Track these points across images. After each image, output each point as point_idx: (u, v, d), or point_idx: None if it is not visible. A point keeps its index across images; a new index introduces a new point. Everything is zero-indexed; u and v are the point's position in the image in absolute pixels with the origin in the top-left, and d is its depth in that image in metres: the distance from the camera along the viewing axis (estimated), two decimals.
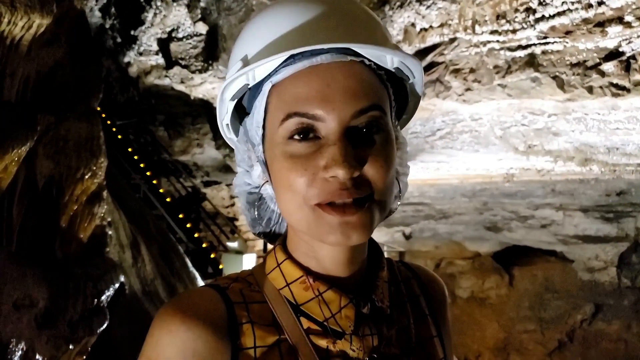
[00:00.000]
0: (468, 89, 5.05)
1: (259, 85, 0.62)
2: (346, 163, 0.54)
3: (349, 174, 0.54)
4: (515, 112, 5.33)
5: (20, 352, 3.82)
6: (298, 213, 0.59)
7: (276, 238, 0.74)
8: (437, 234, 11.35)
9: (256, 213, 0.72)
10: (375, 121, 0.58)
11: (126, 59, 8.23)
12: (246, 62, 0.61)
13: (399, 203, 0.71)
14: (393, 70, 0.63)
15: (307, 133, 0.58)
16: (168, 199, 9.14)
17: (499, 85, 4.78)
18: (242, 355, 0.58)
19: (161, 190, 9.29)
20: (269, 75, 0.61)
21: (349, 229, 0.56)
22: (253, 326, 0.60)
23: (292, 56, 0.58)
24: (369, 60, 0.60)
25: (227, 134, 0.73)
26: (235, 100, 0.65)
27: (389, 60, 0.62)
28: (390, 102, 0.64)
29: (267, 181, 0.67)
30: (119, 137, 9.33)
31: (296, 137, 0.58)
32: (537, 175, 7.56)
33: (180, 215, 8.86)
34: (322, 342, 0.60)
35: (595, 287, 10.93)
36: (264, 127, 0.63)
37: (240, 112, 0.68)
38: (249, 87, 0.63)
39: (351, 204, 0.56)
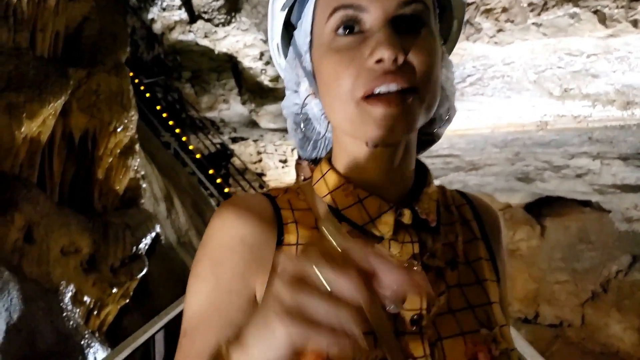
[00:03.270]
0: (500, 30, 4.88)
1: None
2: (391, 45, 0.53)
3: (394, 55, 0.53)
4: (550, 53, 5.13)
5: (70, 293, 4.04)
6: (343, 109, 0.58)
7: None
8: (466, 186, 11.23)
9: (302, 134, 0.72)
10: (419, 14, 0.58)
11: (150, 16, 8.20)
12: None
13: (446, 128, 0.70)
14: None
15: (352, 27, 0.57)
16: (198, 156, 9.28)
17: (533, 24, 4.60)
18: (285, 249, 0.61)
19: (191, 147, 9.42)
20: None
21: (392, 121, 0.55)
22: (297, 226, 0.62)
23: None
24: None
25: (277, 58, 0.74)
26: (286, 10, 0.66)
27: None
28: (434, 6, 0.63)
29: (314, 93, 0.67)
30: (147, 95, 9.42)
31: (341, 31, 0.58)
32: (573, 122, 7.32)
33: (211, 171, 9.01)
34: None
35: (634, 238, 10.71)
36: (311, 33, 0.63)
37: (290, 30, 0.69)
38: None
39: (395, 95, 0.55)
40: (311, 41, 0.63)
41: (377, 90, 0.55)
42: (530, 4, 4.33)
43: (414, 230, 0.62)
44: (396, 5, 0.56)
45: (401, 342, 0.57)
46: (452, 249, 0.66)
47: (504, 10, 4.61)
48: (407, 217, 0.62)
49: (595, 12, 3.89)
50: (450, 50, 0.74)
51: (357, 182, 0.64)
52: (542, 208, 11.91)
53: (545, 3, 4.19)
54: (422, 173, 0.69)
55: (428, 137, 0.72)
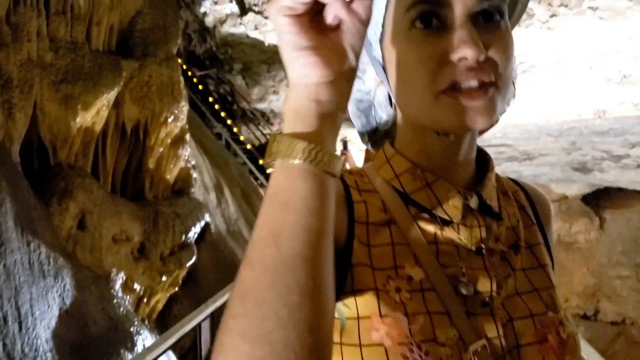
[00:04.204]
0: (553, 15, 4.69)
1: None
2: (474, 44, 0.53)
3: (476, 54, 0.53)
4: (608, 37, 4.89)
5: (120, 280, 4.23)
6: (420, 101, 0.59)
7: None
8: (521, 176, 10.87)
9: (366, 119, 0.74)
10: (498, 7, 0.57)
11: (202, 9, 8.41)
12: None
13: (507, 108, 0.69)
14: None
15: (430, 21, 0.57)
16: (249, 146, 9.47)
17: (589, 8, 4.39)
18: (357, 226, 0.61)
19: (241, 138, 9.62)
20: None
21: (475, 113, 0.55)
22: (367, 205, 0.63)
23: None
24: None
25: None
26: None
27: None
28: None
29: (382, 82, 0.67)
30: (200, 87, 9.68)
31: (419, 25, 0.57)
32: (634, 109, 6.94)
33: (261, 162, 9.19)
34: (430, 228, 0.62)
35: None
36: (383, 25, 0.63)
37: None
38: None
39: (477, 88, 0.55)
40: (382, 33, 0.63)
41: (458, 86, 0.56)
42: None
43: (480, 215, 0.64)
44: (476, 0, 0.56)
45: (474, 322, 0.58)
46: (514, 233, 0.67)
47: None
48: (473, 202, 0.63)
49: None
50: (512, 27, 0.72)
51: (424, 167, 0.65)
52: (601, 199, 11.40)
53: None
54: (483, 159, 0.70)
55: None
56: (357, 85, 0.70)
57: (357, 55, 0.49)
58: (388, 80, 0.65)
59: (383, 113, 0.71)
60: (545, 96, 6.92)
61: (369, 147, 0.78)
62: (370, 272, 0.58)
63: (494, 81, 0.56)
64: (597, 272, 11.36)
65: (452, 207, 0.62)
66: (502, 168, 10.56)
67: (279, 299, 0.43)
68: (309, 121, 0.47)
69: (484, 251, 0.62)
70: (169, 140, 5.12)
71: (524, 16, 5.05)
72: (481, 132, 0.70)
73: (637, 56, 5.13)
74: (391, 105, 0.69)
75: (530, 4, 4.74)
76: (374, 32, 0.64)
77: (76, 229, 3.98)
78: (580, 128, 8.07)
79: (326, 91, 0.47)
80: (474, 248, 0.62)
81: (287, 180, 0.46)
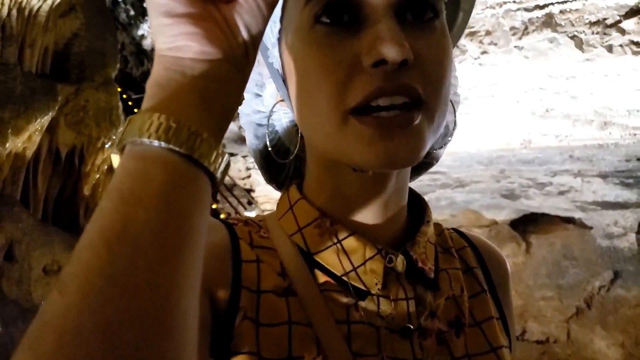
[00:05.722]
0: (484, 52, 5.00)
1: None
2: (397, 42, 0.39)
3: (400, 55, 0.38)
4: (532, 75, 5.27)
5: None
6: (323, 124, 0.43)
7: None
8: (453, 202, 11.34)
9: (266, 150, 0.56)
10: (430, 4, 0.43)
11: (140, 32, 8.27)
12: None
13: (445, 147, 0.57)
14: None
15: (340, 14, 0.42)
16: None
17: (515, 47, 4.72)
18: (244, 294, 0.45)
19: None
20: None
21: (395, 146, 0.41)
22: (259, 267, 0.47)
23: None
24: None
25: None
26: None
27: None
28: None
29: (282, 100, 0.52)
30: (135, 111, 9.42)
31: (325, 19, 0.42)
32: (555, 140, 7.47)
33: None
34: (341, 301, 0.47)
35: (615, 254, 10.87)
36: (281, 20, 0.48)
37: None
38: None
39: (399, 112, 0.41)
40: (280, 31, 0.48)
41: (373, 103, 0.41)
42: (512, 28, 4.46)
43: (408, 283, 0.49)
44: None
45: None
46: (456, 305, 0.52)
47: (488, 33, 4.74)
48: (399, 264, 0.49)
49: (573, 37, 4.03)
50: (455, 42, 0.56)
51: (336, 216, 0.50)
52: (527, 225, 12.04)
53: (526, 27, 4.32)
54: (418, 207, 0.56)
55: (424, 159, 0.55)
56: (255, 105, 0.55)
57: (254, 39, 0.36)
58: (289, 97, 0.49)
59: (288, 141, 0.55)
60: (477, 126, 7.32)
61: (275, 187, 0.61)
62: None
63: (423, 99, 0.42)
64: (525, 294, 11.91)
65: (370, 272, 0.47)
66: (436, 194, 10.96)
67: (101, 337, 0.26)
68: (178, 96, 0.33)
69: (412, 332, 0.47)
70: (106, 167, 4.96)
71: (457, 52, 5.38)
72: (415, 174, 0.58)
73: (558, 92, 5.55)
74: (297, 133, 0.52)
75: (463, 41, 5.05)
76: (270, 31, 0.48)
77: (3, 260, 3.75)
78: (509, 157, 8.56)
79: (206, 69, 0.34)
80: (399, 328, 0.47)
81: (136, 167, 0.31)
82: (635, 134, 6.54)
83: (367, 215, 0.49)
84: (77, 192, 4.76)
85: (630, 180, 9.24)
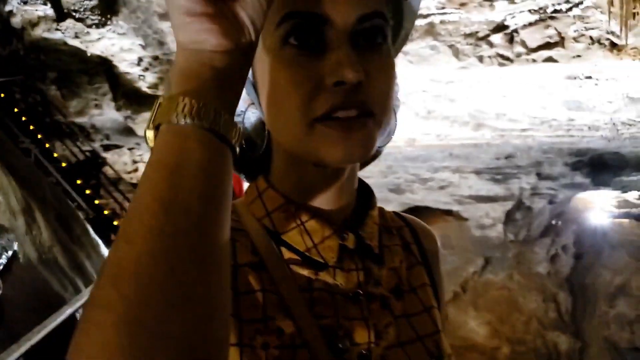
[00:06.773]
0: None
1: None
2: (353, 67, 0.48)
3: (356, 78, 0.48)
4: (416, 78, 5.58)
5: None
6: (292, 128, 0.52)
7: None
8: None
9: (242, 146, 0.64)
10: (379, 30, 0.52)
11: (7, 7, 7.44)
12: None
13: (387, 143, 0.67)
14: None
15: (306, 38, 0.50)
16: (64, 164, 8.58)
17: (401, 52, 4.98)
18: None
19: (55, 155, 8.68)
20: None
21: (352, 145, 0.50)
22: (235, 244, 0.56)
23: None
24: None
25: None
26: None
27: None
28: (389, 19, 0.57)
29: (252, 104, 0.61)
30: (1, 95, 8.50)
31: (293, 41, 0.50)
32: (437, 140, 8.00)
33: (79, 181, 8.37)
34: (304, 273, 0.56)
35: (485, 242, 11.94)
36: None
37: None
38: None
39: (355, 118, 0.50)
40: None
41: (334, 115, 0.50)
42: None
43: (358, 257, 0.59)
44: (356, 17, 0.50)
45: None
46: (396, 275, 0.62)
47: None
48: (351, 241, 0.58)
49: (451, 46, 4.34)
50: (396, 53, 0.66)
51: (300, 202, 0.59)
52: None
53: (411, 34, 4.58)
54: (365, 194, 0.65)
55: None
56: None
57: (257, 32, 0.44)
58: (260, 102, 0.58)
59: (257, 138, 0.64)
60: None
61: (243, 178, 0.71)
62: (236, 325, 0.51)
63: (373, 110, 0.51)
64: None
65: (327, 248, 0.57)
66: None
67: (170, 276, 0.35)
68: (202, 83, 0.41)
69: (361, 297, 0.57)
70: None
71: None
72: (363, 165, 0.68)
73: (439, 95, 5.95)
74: (264, 130, 0.61)
75: None
76: None
77: None
78: (395, 154, 9.02)
79: (222, 59, 0.41)
80: (351, 294, 0.57)
81: (176, 142, 0.39)
82: (502, 135, 7.22)
83: (325, 201, 0.59)
84: None
85: (499, 177, 10.22)
